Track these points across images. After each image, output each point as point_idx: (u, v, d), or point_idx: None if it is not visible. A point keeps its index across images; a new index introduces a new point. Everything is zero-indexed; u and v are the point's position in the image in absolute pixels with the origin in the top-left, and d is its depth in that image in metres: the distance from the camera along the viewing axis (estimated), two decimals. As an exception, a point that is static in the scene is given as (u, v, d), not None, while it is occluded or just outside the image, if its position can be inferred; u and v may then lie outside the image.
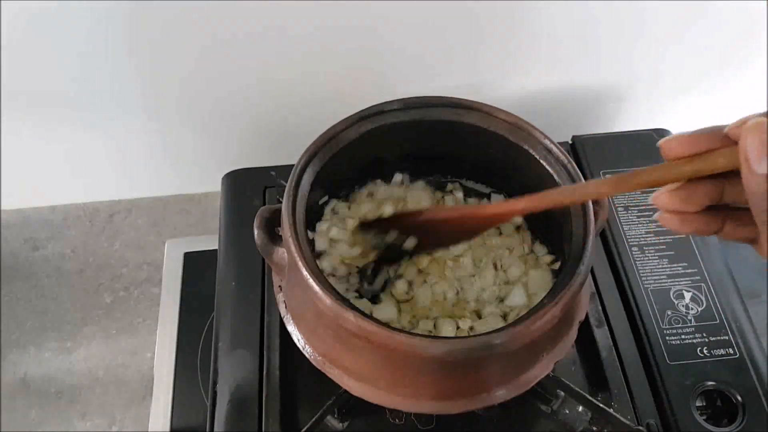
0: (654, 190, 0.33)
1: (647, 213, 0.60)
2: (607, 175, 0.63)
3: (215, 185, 0.66)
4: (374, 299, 0.50)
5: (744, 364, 0.51)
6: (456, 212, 0.48)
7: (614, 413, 0.48)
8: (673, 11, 0.67)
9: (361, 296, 0.50)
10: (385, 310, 0.48)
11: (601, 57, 0.73)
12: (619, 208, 0.61)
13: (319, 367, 0.43)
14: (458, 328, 0.47)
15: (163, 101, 0.71)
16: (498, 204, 0.44)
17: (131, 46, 0.63)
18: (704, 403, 0.50)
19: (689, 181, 0.31)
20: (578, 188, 0.43)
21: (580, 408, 0.50)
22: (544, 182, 0.47)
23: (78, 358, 0.73)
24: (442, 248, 0.50)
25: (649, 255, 0.58)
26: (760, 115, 0.27)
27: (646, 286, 0.56)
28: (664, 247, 0.58)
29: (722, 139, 0.29)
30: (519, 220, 0.53)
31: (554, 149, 0.46)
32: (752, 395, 0.50)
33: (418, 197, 0.54)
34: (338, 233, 0.50)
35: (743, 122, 0.28)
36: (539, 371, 0.42)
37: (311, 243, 0.49)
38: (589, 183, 0.38)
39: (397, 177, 0.55)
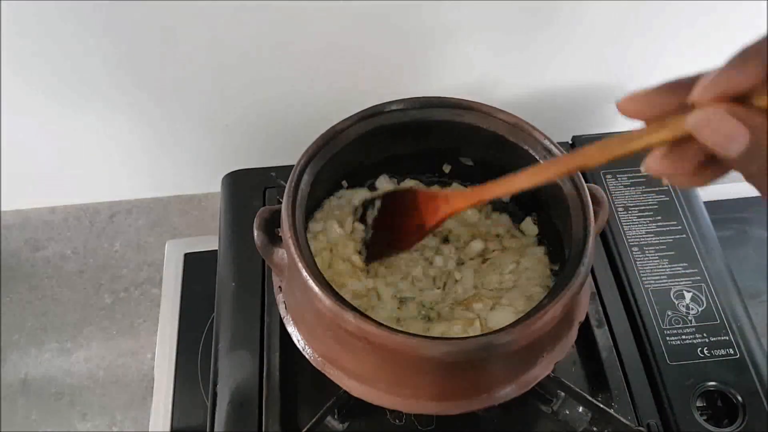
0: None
1: (647, 213, 0.60)
2: (608, 176, 0.63)
3: (215, 186, 0.66)
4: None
5: (744, 365, 0.51)
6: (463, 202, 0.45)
7: (614, 414, 0.47)
8: (673, 11, 0.67)
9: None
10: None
11: (601, 57, 0.73)
12: (619, 208, 0.61)
13: (319, 368, 0.43)
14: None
15: (164, 102, 0.71)
16: (495, 186, 0.41)
17: (133, 47, 0.63)
18: (705, 404, 0.50)
19: (677, 142, 0.29)
20: (563, 159, 0.38)
21: (581, 408, 0.50)
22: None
23: (78, 358, 0.73)
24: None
25: (649, 255, 0.58)
26: (711, 79, 0.26)
27: (646, 286, 0.56)
28: (665, 247, 0.58)
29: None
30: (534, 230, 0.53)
31: (554, 149, 0.46)
32: (753, 395, 0.50)
33: None
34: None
35: (703, 89, 0.26)
36: (539, 372, 0.42)
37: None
38: (575, 153, 0.34)
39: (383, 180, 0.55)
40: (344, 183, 0.54)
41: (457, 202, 0.44)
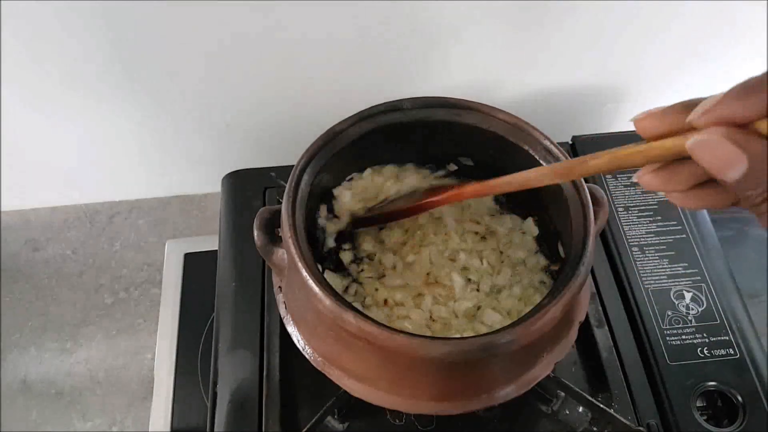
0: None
1: (647, 213, 0.60)
2: (608, 176, 0.63)
3: (215, 186, 0.66)
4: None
5: (744, 365, 0.51)
6: (442, 197, 0.48)
7: (615, 414, 0.48)
8: (674, 11, 0.67)
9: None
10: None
11: (601, 57, 0.73)
12: (619, 208, 0.61)
13: (319, 368, 0.43)
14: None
15: (164, 103, 0.71)
16: (477, 185, 0.45)
17: (132, 47, 0.63)
18: (705, 404, 0.50)
19: (674, 160, 0.29)
20: (570, 165, 0.37)
21: (581, 408, 0.50)
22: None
23: (78, 359, 0.73)
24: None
25: (649, 255, 0.58)
26: (712, 104, 0.26)
27: (646, 286, 0.56)
28: (665, 247, 0.58)
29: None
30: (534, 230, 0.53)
31: (554, 149, 0.46)
32: (753, 395, 0.50)
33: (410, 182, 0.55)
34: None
35: (703, 113, 0.26)
36: (539, 372, 0.42)
37: (311, 243, 0.49)
38: (560, 164, 0.37)
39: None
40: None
41: (466, 190, 0.45)
